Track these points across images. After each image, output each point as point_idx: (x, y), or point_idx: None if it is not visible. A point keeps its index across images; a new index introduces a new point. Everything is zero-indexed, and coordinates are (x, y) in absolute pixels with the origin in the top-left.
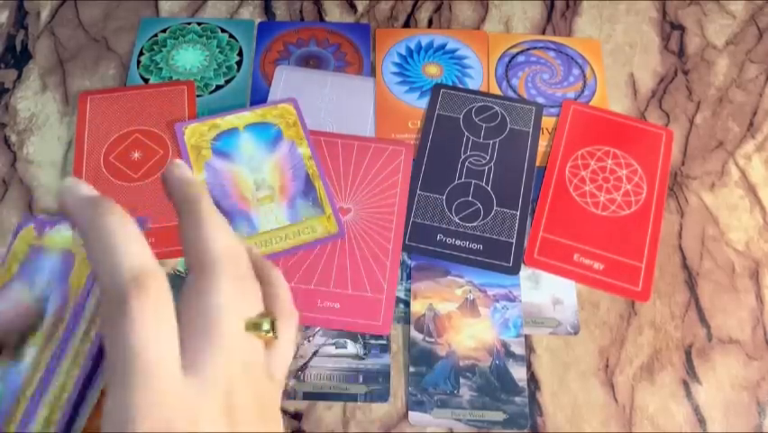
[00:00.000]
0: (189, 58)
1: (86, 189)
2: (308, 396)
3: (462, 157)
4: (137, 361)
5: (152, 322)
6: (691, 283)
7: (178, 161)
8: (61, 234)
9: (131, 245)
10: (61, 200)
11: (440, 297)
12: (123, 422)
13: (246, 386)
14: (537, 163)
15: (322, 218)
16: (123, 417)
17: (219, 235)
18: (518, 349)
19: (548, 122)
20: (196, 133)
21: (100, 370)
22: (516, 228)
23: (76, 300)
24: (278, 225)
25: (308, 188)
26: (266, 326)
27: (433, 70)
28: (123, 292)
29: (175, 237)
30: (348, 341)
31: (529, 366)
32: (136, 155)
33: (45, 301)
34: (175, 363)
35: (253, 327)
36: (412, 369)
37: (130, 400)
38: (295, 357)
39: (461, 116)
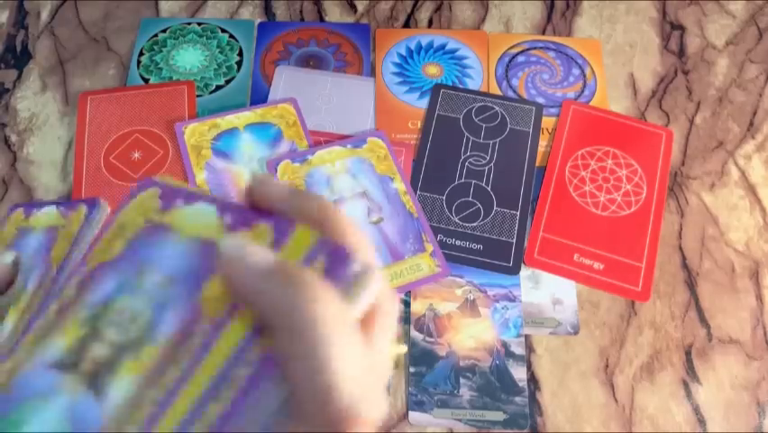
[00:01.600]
0: (189, 58)
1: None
2: None
3: (462, 157)
4: None
5: None
6: (691, 283)
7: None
8: (47, 213)
9: (349, 360)
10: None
11: (440, 297)
12: None
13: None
14: (537, 163)
15: None
16: None
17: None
18: (518, 349)
19: (548, 122)
20: (196, 132)
21: None
22: (516, 228)
23: (52, 273)
24: None
25: None
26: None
27: (433, 70)
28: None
29: None
30: None
31: (529, 366)
32: (136, 155)
33: (27, 273)
34: None
35: None
36: (412, 369)
37: None
38: None
39: (461, 116)
